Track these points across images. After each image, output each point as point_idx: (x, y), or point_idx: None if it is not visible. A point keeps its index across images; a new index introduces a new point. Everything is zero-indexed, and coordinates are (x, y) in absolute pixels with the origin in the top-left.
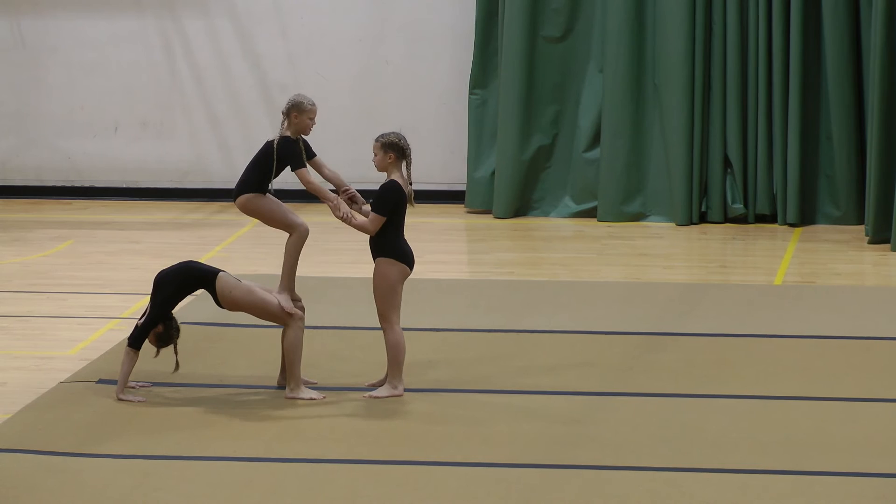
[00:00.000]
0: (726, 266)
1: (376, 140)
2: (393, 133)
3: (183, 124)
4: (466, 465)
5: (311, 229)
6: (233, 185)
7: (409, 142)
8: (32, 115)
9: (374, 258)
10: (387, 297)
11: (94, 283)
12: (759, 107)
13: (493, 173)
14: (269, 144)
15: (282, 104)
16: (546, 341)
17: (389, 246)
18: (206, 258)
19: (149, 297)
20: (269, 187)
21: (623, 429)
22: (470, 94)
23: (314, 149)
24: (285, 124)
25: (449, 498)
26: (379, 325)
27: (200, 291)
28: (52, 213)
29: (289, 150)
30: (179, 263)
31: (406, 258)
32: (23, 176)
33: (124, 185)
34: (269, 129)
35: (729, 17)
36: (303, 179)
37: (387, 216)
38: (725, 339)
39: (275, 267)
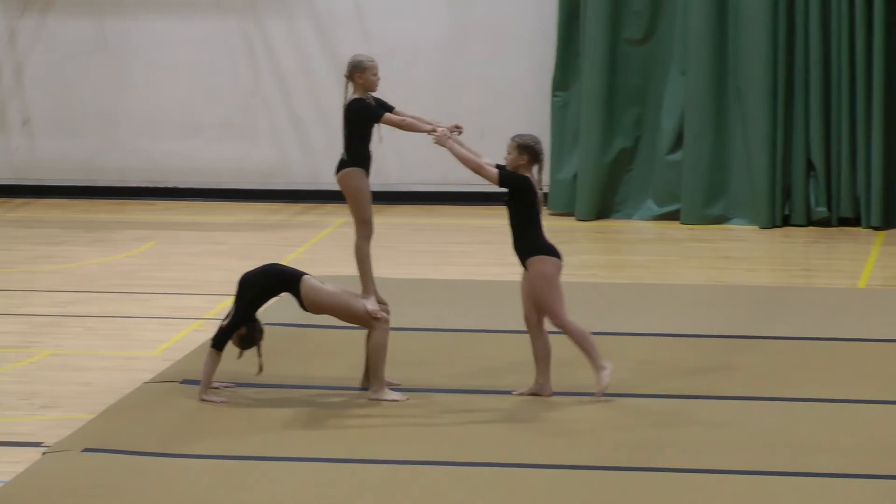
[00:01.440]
0: (809, 269)
1: (512, 139)
2: (529, 135)
3: (265, 126)
4: (550, 468)
5: (392, 231)
6: (315, 187)
7: (542, 146)
8: (116, 116)
9: (524, 260)
10: (549, 293)
11: (178, 283)
12: (842, 109)
13: (575, 175)
14: (345, 111)
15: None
16: (628, 344)
17: (536, 244)
18: (289, 259)
19: (232, 298)
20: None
21: (705, 432)
22: (552, 96)
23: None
24: (350, 88)
25: (531, 499)
26: (525, 329)
27: (283, 293)
28: (135, 214)
29: (362, 107)
30: (263, 266)
31: (555, 251)
32: (106, 177)
33: (207, 187)
34: None
35: (811, 18)
36: (391, 122)
37: (506, 174)
38: (808, 342)
39: (356, 269)
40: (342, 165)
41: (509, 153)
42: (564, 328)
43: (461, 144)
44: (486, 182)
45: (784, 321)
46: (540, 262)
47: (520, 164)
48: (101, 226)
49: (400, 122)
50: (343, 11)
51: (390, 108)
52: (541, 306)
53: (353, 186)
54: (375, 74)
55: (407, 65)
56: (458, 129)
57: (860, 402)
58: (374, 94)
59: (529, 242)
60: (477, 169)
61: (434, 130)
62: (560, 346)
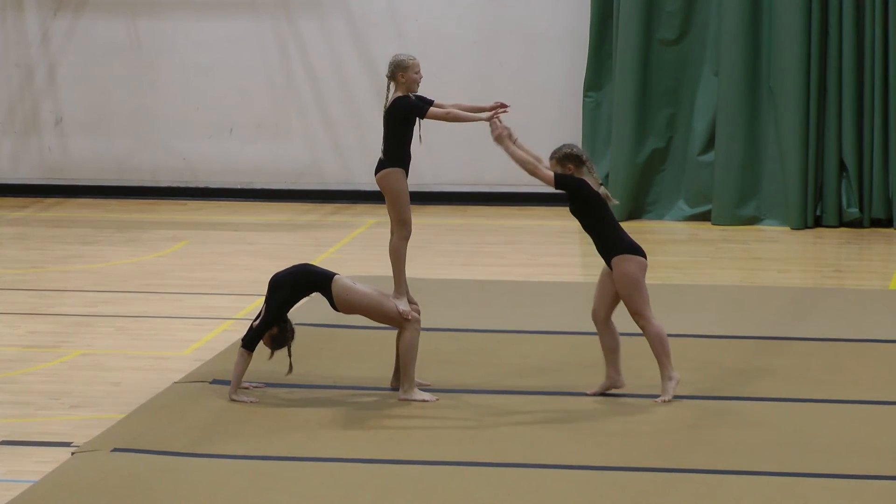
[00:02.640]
0: (841, 270)
1: (550, 157)
2: (565, 145)
3: (297, 126)
4: (580, 469)
5: (424, 232)
6: (347, 187)
7: (583, 150)
8: (148, 116)
9: (609, 260)
10: (635, 293)
11: (209, 283)
12: (874, 110)
13: (607, 176)
14: (387, 111)
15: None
16: None
17: (616, 243)
18: (320, 260)
19: (263, 298)
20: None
21: (736, 433)
22: (584, 96)
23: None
24: (392, 87)
25: (561, 500)
26: (594, 329)
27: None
28: (167, 214)
29: (405, 104)
30: (294, 266)
31: (638, 250)
32: (139, 176)
33: (239, 187)
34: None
35: (845, 19)
36: (436, 116)
37: (562, 176)
38: (840, 343)
39: (388, 268)
40: (381, 166)
41: (554, 171)
42: (645, 329)
43: (517, 144)
44: (519, 183)
45: (815, 322)
46: (624, 261)
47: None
48: (132, 226)
49: (444, 115)
50: (377, 11)
51: (430, 102)
52: (628, 305)
53: (393, 187)
54: (417, 73)
55: (440, 65)
56: (503, 107)
57: (892, 404)
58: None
59: (609, 243)
60: (533, 171)
61: (489, 118)
62: (589, 347)
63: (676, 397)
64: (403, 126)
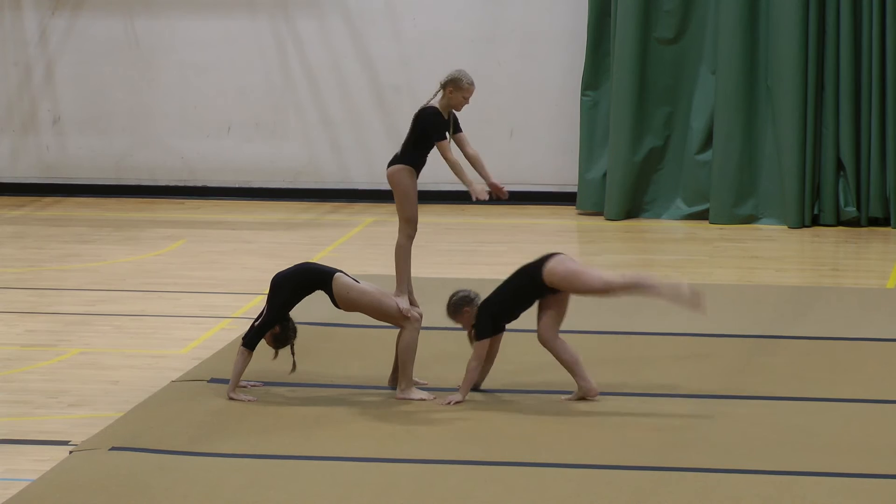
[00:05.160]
0: (838, 269)
1: (448, 314)
2: (452, 295)
3: (295, 125)
4: (578, 467)
5: (422, 230)
6: (344, 186)
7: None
8: (146, 114)
9: (547, 287)
10: (584, 278)
11: (207, 282)
12: (872, 109)
13: (604, 175)
14: (416, 114)
15: (393, 104)
16: (656, 344)
17: (540, 274)
18: (318, 258)
19: (262, 297)
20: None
21: (734, 432)
22: (582, 95)
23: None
24: (438, 95)
25: (559, 499)
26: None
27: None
28: (165, 213)
29: (430, 121)
30: (296, 265)
31: (546, 257)
32: (136, 175)
33: (237, 185)
34: (382, 129)
35: (842, 18)
36: (442, 152)
37: (491, 335)
38: (837, 342)
39: (386, 268)
40: (394, 160)
41: (455, 319)
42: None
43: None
44: (518, 182)
45: (813, 321)
46: (550, 272)
47: (468, 318)
48: (130, 224)
49: (446, 157)
50: (374, 10)
51: (459, 131)
52: (593, 291)
53: (402, 184)
54: (467, 98)
55: (437, 63)
56: (500, 194)
57: (890, 402)
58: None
59: (532, 282)
60: (478, 364)
61: (475, 189)
62: (588, 346)
63: (676, 396)
64: (423, 139)
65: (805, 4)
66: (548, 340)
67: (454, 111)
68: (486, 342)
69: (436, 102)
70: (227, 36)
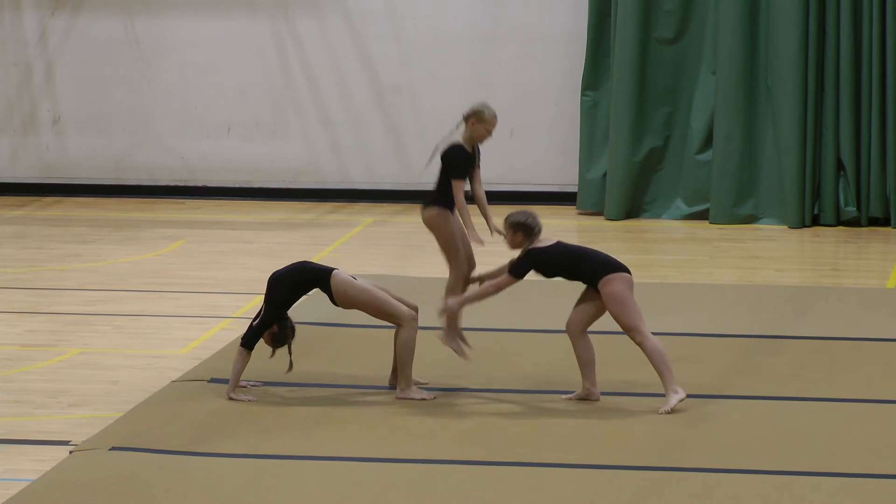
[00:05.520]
0: (838, 269)
1: (504, 220)
2: (521, 213)
3: (295, 125)
4: (578, 467)
5: (422, 230)
6: (344, 186)
7: (538, 220)
8: (146, 114)
9: (595, 286)
10: (625, 311)
11: (207, 282)
12: (872, 109)
13: (604, 175)
14: (442, 154)
15: (393, 104)
16: None
17: (598, 270)
18: (318, 258)
19: (262, 297)
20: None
21: (734, 432)
22: (582, 95)
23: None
24: (461, 128)
25: (559, 499)
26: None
27: (313, 291)
28: (164, 213)
29: (453, 159)
30: (293, 264)
31: (620, 267)
32: (136, 175)
33: (237, 185)
34: (381, 130)
35: (842, 17)
36: (454, 190)
37: (517, 269)
38: (837, 342)
39: (386, 267)
40: (428, 201)
41: (505, 234)
42: (642, 345)
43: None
44: (517, 182)
45: (813, 321)
46: (608, 283)
47: (518, 241)
48: (130, 224)
49: (456, 198)
50: (374, 10)
51: (462, 176)
52: (621, 324)
53: (440, 229)
54: (489, 130)
55: (437, 63)
56: (501, 235)
57: (890, 402)
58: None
59: (587, 275)
60: (495, 291)
61: (476, 240)
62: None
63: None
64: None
65: (805, 4)
66: (574, 333)
67: (478, 144)
68: (514, 281)
69: (459, 136)
70: (227, 36)
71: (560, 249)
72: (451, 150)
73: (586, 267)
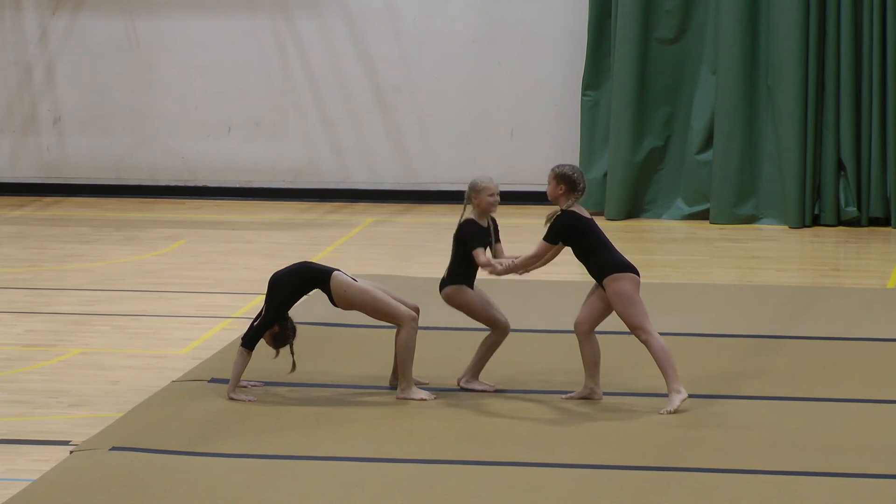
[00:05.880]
0: (839, 269)
1: (552, 169)
2: (567, 166)
3: (296, 125)
4: (578, 467)
5: (421, 230)
6: (344, 186)
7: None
8: (146, 114)
9: (601, 283)
10: (631, 309)
11: (207, 282)
12: (872, 109)
13: (605, 175)
14: (455, 233)
15: (394, 104)
16: None
17: (608, 265)
18: (318, 258)
19: (262, 297)
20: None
21: (733, 432)
22: (582, 95)
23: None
24: (468, 210)
25: (559, 499)
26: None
27: (313, 291)
28: (165, 213)
29: (468, 231)
30: (294, 264)
31: (629, 267)
32: (137, 175)
33: (237, 185)
34: (382, 130)
35: (843, 18)
36: (476, 259)
37: (552, 235)
38: (837, 342)
39: (386, 267)
40: (443, 284)
41: (549, 182)
42: (648, 343)
43: (508, 264)
44: (517, 182)
45: (813, 321)
46: (615, 281)
47: (559, 193)
48: (130, 224)
49: (479, 263)
50: (374, 10)
51: (497, 241)
52: (626, 323)
53: (461, 303)
54: (492, 195)
55: (437, 63)
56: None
57: (890, 403)
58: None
59: (597, 266)
60: (534, 261)
61: (493, 267)
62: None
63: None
64: (467, 252)
65: (805, 4)
66: (582, 332)
67: (491, 217)
68: (549, 248)
69: (468, 215)
70: (227, 36)
71: (592, 227)
72: (465, 225)
73: (600, 259)
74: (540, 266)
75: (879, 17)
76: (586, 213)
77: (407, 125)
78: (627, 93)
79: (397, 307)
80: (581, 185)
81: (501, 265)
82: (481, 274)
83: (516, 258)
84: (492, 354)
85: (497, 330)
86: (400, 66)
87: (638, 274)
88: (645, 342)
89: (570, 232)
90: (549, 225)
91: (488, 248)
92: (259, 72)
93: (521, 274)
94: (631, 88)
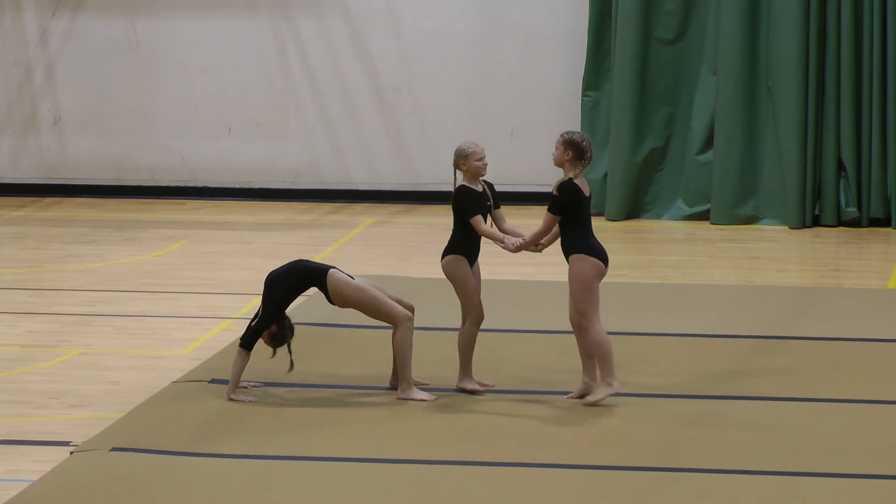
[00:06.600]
0: (839, 270)
1: (561, 135)
2: (577, 133)
3: (296, 125)
4: (577, 468)
5: (422, 230)
6: (345, 187)
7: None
8: (147, 115)
9: (567, 257)
10: (584, 293)
11: (207, 283)
12: (873, 109)
13: (605, 175)
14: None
15: (394, 105)
16: (657, 344)
17: (580, 243)
18: (318, 259)
19: (261, 297)
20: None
21: (734, 433)
22: (583, 95)
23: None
24: (459, 176)
25: (559, 499)
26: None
27: (312, 291)
28: (165, 213)
29: (462, 198)
30: (290, 263)
31: (598, 254)
32: (137, 176)
33: (237, 186)
34: (382, 130)
35: (843, 18)
36: (475, 227)
37: (555, 206)
38: (838, 342)
39: (386, 267)
40: (445, 251)
41: (556, 148)
42: (586, 331)
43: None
44: (517, 182)
45: (814, 322)
46: (579, 260)
47: (565, 159)
48: (131, 225)
49: (480, 231)
50: (374, 10)
51: (497, 206)
52: (574, 303)
53: (454, 274)
54: (480, 160)
55: (437, 64)
56: (536, 247)
57: (890, 403)
58: (487, 180)
59: (572, 241)
60: (543, 235)
61: (504, 242)
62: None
63: (676, 396)
64: (464, 220)
65: (806, 5)
66: (577, 325)
67: (484, 180)
68: (555, 219)
69: (460, 182)
70: (227, 36)
71: (586, 206)
72: (458, 193)
73: (576, 236)
74: (551, 240)
75: (880, 17)
76: (587, 190)
77: (407, 125)
78: (628, 93)
79: (394, 307)
80: (588, 154)
81: (514, 244)
82: (495, 263)
83: (523, 236)
84: (473, 347)
85: (471, 319)
86: (400, 66)
87: (606, 265)
88: (585, 329)
89: (570, 204)
90: (552, 196)
91: (489, 217)
92: (259, 72)
93: (538, 250)
94: (631, 89)
